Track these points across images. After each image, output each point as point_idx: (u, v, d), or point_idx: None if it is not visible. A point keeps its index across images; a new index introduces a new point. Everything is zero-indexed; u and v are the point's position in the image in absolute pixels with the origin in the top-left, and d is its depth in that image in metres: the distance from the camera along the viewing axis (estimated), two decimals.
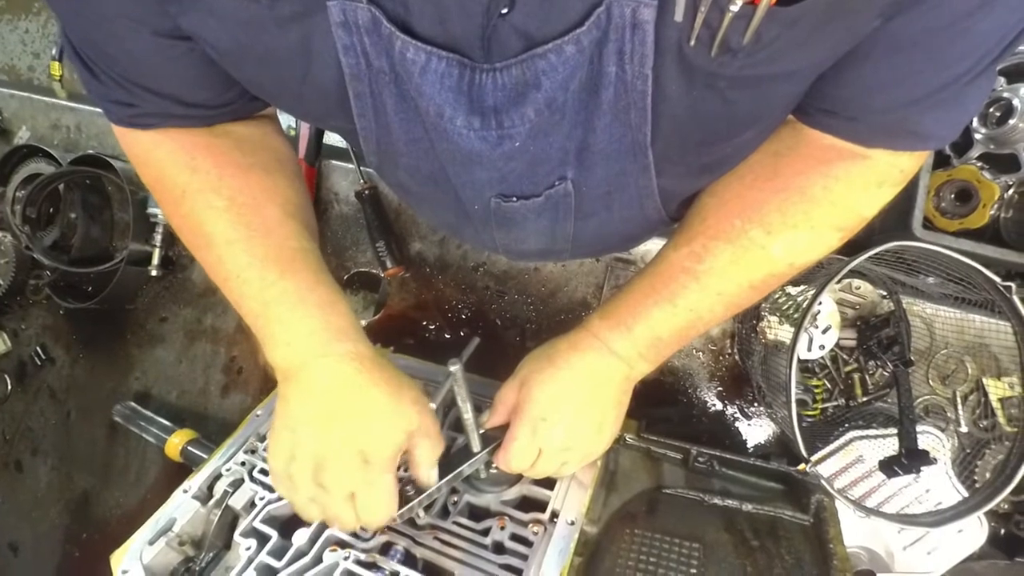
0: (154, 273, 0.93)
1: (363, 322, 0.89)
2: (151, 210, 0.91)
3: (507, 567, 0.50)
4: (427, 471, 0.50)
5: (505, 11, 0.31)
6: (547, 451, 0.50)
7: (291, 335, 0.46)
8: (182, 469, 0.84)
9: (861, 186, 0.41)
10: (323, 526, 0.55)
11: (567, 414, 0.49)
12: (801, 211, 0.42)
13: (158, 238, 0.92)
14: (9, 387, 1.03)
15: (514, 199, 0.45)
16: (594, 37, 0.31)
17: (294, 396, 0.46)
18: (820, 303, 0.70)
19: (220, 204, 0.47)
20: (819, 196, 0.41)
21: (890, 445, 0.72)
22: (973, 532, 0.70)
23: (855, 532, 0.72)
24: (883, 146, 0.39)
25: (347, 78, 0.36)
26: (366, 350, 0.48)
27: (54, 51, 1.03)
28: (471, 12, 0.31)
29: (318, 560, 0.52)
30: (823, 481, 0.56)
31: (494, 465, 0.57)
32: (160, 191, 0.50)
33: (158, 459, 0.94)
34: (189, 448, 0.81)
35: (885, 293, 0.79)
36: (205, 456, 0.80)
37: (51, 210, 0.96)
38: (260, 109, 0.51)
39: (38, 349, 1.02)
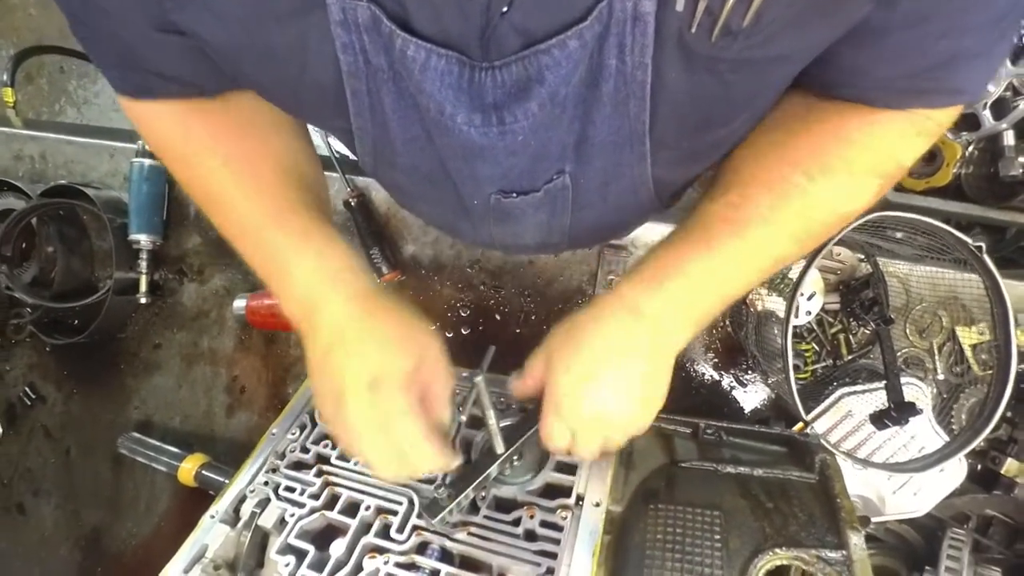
0: (143, 301, 0.91)
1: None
2: (133, 236, 0.89)
3: (542, 552, 0.53)
4: (442, 408, 0.48)
5: (505, 10, 0.31)
6: (579, 431, 0.48)
7: (294, 286, 0.47)
8: (194, 493, 0.84)
9: (899, 134, 0.40)
10: (357, 536, 0.56)
11: (591, 393, 0.45)
12: (838, 154, 0.41)
13: (143, 264, 0.90)
14: (0, 431, 1.00)
15: (514, 195, 0.46)
16: (596, 31, 0.32)
17: (310, 345, 0.47)
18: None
19: (217, 165, 0.48)
20: (856, 139, 0.40)
21: (876, 398, 0.77)
22: (954, 471, 0.76)
23: (849, 483, 0.76)
24: (918, 105, 0.39)
25: (344, 76, 0.36)
26: (366, 288, 0.47)
27: (4, 76, 0.98)
28: (469, 13, 0.31)
29: (358, 568, 0.53)
30: (822, 439, 0.60)
31: (518, 459, 0.59)
32: (167, 160, 0.51)
33: (168, 486, 0.94)
34: (203, 472, 0.81)
35: (863, 257, 0.84)
36: (220, 479, 0.81)
37: (24, 245, 0.93)
38: None
39: (26, 389, 0.99)
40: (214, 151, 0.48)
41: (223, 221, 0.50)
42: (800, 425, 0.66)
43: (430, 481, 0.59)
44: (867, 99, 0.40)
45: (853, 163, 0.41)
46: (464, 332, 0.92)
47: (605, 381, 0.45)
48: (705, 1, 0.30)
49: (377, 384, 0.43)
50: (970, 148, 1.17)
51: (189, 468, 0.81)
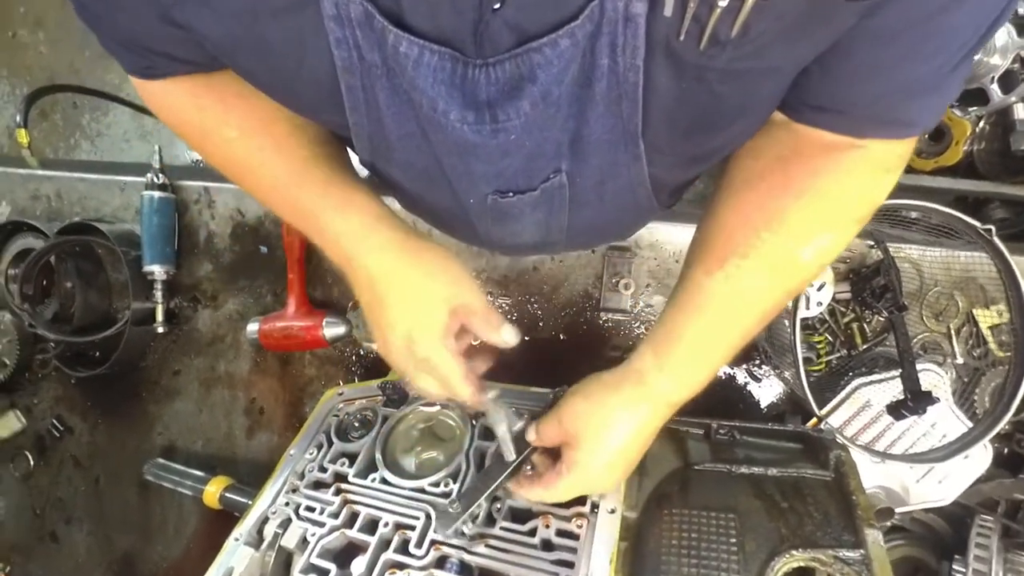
0: (160, 330, 0.93)
1: (373, 345, 0.90)
2: (147, 268, 0.91)
3: (559, 562, 0.53)
4: (496, 335, 0.50)
5: (497, 6, 0.31)
6: (592, 487, 0.54)
7: (329, 241, 0.50)
8: (220, 515, 0.85)
9: (869, 174, 0.43)
10: (377, 553, 0.57)
11: (613, 468, 0.52)
12: (823, 213, 0.44)
13: (158, 294, 0.92)
14: (31, 463, 1.04)
15: (510, 194, 0.46)
16: (588, 30, 0.32)
17: (355, 288, 0.51)
18: None
19: (233, 135, 0.49)
20: (834, 193, 0.43)
21: (894, 386, 0.76)
22: (979, 457, 0.75)
23: (871, 474, 0.76)
24: (874, 136, 0.40)
25: (339, 71, 0.36)
26: (396, 236, 0.49)
27: (17, 118, 1.01)
28: (462, 8, 0.31)
29: None
30: (837, 434, 0.59)
31: (531, 468, 0.59)
32: (184, 135, 0.52)
33: (195, 508, 0.96)
34: (227, 495, 0.82)
35: (872, 243, 0.82)
36: (244, 500, 0.82)
37: (44, 282, 0.96)
38: None
39: (54, 421, 1.02)
40: (227, 122, 0.49)
41: (252, 187, 0.52)
42: (814, 420, 0.65)
43: (446, 495, 0.60)
44: (829, 124, 0.40)
45: (836, 216, 0.44)
46: (474, 343, 0.93)
47: (622, 446, 0.51)
48: (692, 9, 0.30)
49: (412, 339, 0.48)
50: (980, 124, 1.14)
51: (213, 491, 0.83)
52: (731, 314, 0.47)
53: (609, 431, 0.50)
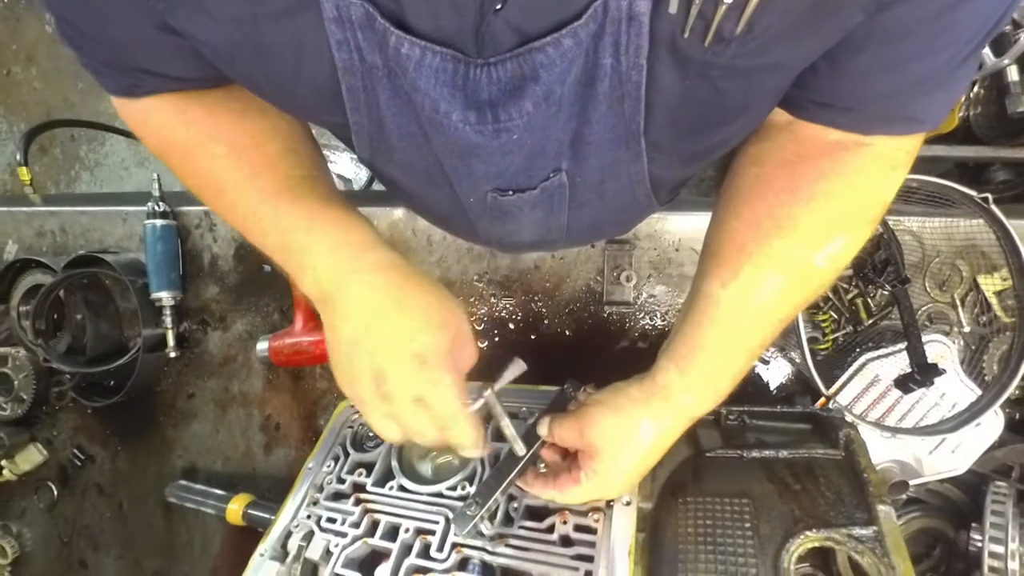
0: (172, 355, 0.94)
1: None
2: (154, 295, 0.92)
3: (579, 557, 0.54)
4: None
5: (499, 7, 0.31)
6: (607, 495, 0.55)
7: (315, 258, 0.45)
8: (244, 531, 0.87)
9: (877, 173, 0.42)
10: (400, 559, 0.58)
11: (630, 477, 0.52)
12: (833, 216, 0.44)
13: (168, 320, 0.93)
14: (55, 493, 1.05)
15: (510, 193, 0.46)
16: (591, 30, 0.32)
17: (337, 319, 0.45)
18: None
19: (220, 151, 0.47)
20: (844, 195, 0.43)
21: (902, 359, 0.76)
22: (991, 424, 0.75)
23: (884, 449, 0.76)
24: (882, 132, 0.40)
25: (340, 73, 0.36)
26: (393, 257, 0.46)
27: (18, 156, 1.03)
28: (463, 8, 0.31)
29: None
30: (845, 411, 0.60)
31: (544, 465, 0.60)
32: (165, 155, 0.49)
33: (219, 527, 0.97)
34: (249, 511, 0.84)
35: None
36: (266, 515, 0.84)
37: (56, 316, 0.97)
38: None
39: (75, 451, 1.04)
40: (216, 138, 0.47)
41: (229, 209, 0.49)
42: (822, 400, 0.66)
43: (464, 498, 0.61)
44: (836, 121, 0.40)
45: (848, 219, 0.44)
46: (480, 345, 0.94)
47: (641, 458, 0.51)
48: (698, 6, 0.30)
49: (423, 360, 0.43)
50: (975, 88, 1.14)
51: (236, 509, 0.85)
52: (749, 325, 0.47)
53: (632, 445, 0.50)
